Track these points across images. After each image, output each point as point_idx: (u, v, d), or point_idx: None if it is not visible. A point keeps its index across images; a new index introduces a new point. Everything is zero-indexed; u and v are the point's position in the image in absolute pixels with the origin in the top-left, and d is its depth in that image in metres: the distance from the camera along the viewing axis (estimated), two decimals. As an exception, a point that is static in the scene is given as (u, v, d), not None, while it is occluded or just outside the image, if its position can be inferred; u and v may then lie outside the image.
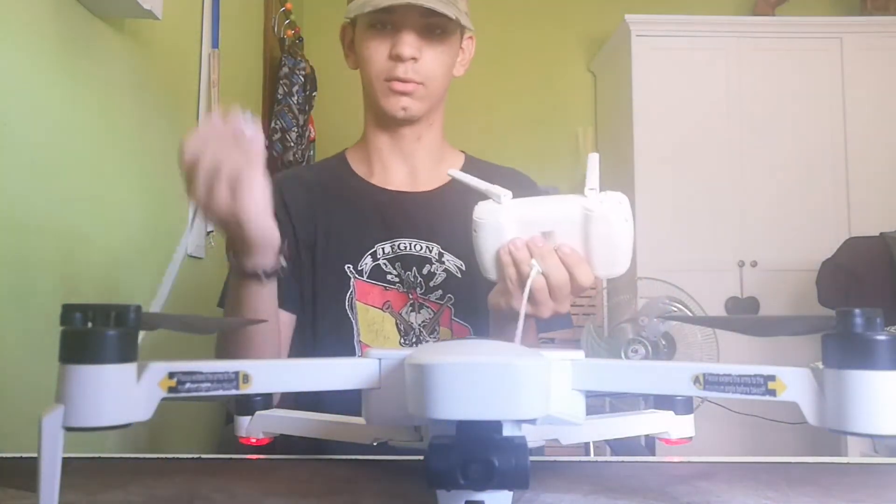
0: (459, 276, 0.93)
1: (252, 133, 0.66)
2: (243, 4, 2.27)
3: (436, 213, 0.96)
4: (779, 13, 3.23)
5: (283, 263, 0.77)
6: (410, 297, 0.93)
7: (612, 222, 0.66)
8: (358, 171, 1.00)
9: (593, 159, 0.69)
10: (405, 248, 0.94)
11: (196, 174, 0.65)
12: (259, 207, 0.67)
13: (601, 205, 0.66)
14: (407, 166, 0.99)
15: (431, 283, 0.93)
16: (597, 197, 0.66)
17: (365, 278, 0.93)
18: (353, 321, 0.92)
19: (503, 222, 0.67)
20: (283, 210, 0.95)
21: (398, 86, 0.91)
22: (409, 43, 0.89)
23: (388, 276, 0.93)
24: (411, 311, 0.93)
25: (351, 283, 0.92)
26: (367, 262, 0.93)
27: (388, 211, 0.96)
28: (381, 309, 0.93)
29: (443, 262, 0.94)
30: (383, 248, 0.94)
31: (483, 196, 0.70)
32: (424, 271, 0.94)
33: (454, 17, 0.88)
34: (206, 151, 0.65)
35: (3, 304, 0.94)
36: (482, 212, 0.68)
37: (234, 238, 0.71)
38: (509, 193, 0.68)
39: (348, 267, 0.93)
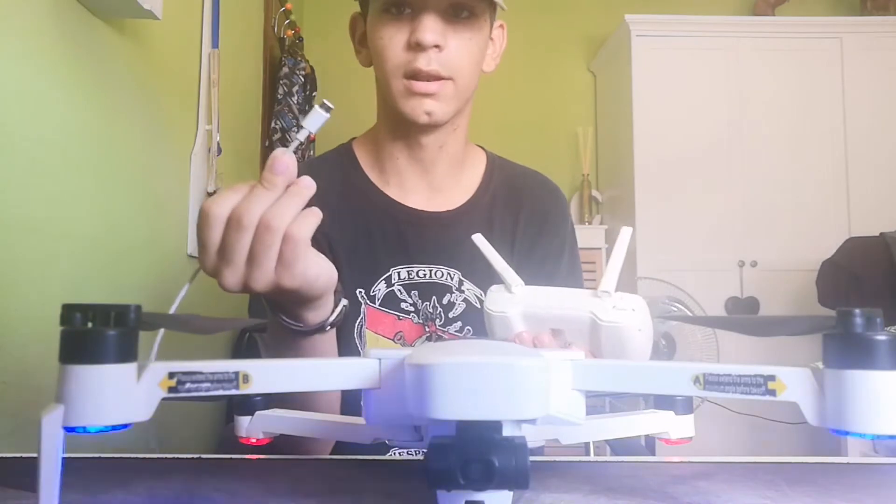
0: (479, 306, 0.84)
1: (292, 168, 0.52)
2: (243, 4, 2.27)
3: (457, 237, 0.85)
4: (779, 13, 3.24)
5: (345, 302, 0.66)
6: (427, 328, 0.84)
7: (624, 332, 0.60)
8: (371, 175, 0.89)
9: (625, 235, 0.62)
10: (424, 275, 0.85)
11: (233, 249, 0.51)
12: (320, 265, 0.56)
13: (612, 313, 0.60)
14: (427, 178, 0.88)
15: (451, 314, 0.85)
16: (609, 303, 0.60)
17: (377, 305, 0.83)
18: (361, 350, 0.83)
19: (511, 316, 0.64)
20: None
21: (420, 86, 0.77)
22: (430, 28, 0.75)
23: (403, 305, 0.84)
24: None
25: (361, 310, 0.83)
26: (380, 288, 0.84)
27: (407, 232, 0.85)
28: (393, 340, 0.84)
29: (462, 291, 0.85)
30: (399, 273, 0.84)
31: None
32: (445, 301, 0.85)
33: None
34: (244, 218, 0.50)
35: (3, 303, 0.94)
36: (492, 301, 0.65)
37: (290, 301, 0.59)
38: (521, 283, 0.64)
39: (360, 292, 0.84)
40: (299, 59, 2.68)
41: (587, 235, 3.13)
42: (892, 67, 3.03)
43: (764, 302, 2.91)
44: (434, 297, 0.85)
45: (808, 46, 3.04)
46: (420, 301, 0.84)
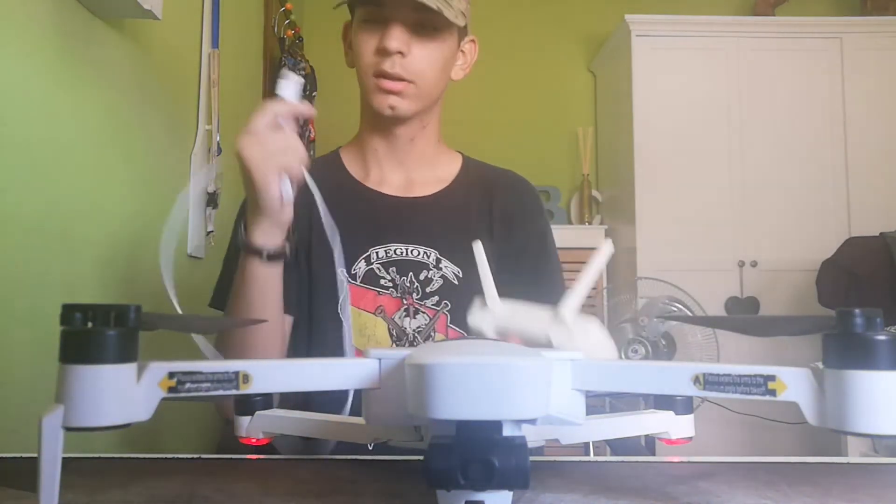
0: (456, 283, 0.93)
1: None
2: (243, 4, 2.27)
3: (434, 219, 0.95)
4: (779, 13, 3.23)
5: (287, 251, 0.81)
6: (405, 302, 0.92)
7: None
8: (353, 172, 1.00)
9: (605, 251, 0.65)
10: (401, 252, 0.93)
11: (256, 165, 0.75)
12: (289, 194, 0.77)
13: (562, 337, 0.64)
14: (402, 170, 0.98)
15: (428, 289, 0.92)
16: (566, 325, 0.64)
17: (358, 283, 0.92)
18: (346, 325, 0.90)
19: (485, 329, 0.70)
20: None
21: (386, 84, 0.89)
22: (395, 37, 0.87)
23: (382, 281, 0.92)
24: (405, 316, 0.92)
25: (344, 288, 0.91)
26: (360, 267, 0.93)
27: (384, 215, 0.95)
28: (374, 314, 0.92)
29: (440, 269, 0.93)
30: (377, 253, 0.93)
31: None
32: (421, 276, 0.93)
33: (437, 10, 0.86)
34: (258, 148, 0.75)
35: (4, 303, 0.94)
36: (472, 315, 0.72)
37: (256, 206, 0.78)
38: (496, 299, 0.70)
39: (342, 271, 0.91)
40: (299, 59, 2.68)
41: (587, 235, 3.13)
42: (892, 67, 3.03)
43: (764, 302, 2.91)
44: (411, 273, 0.93)
45: (808, 46, 3.04)
46: (398, 276, 0.93)
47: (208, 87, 1.83)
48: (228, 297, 0.90)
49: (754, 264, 2.93)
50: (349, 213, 0.94)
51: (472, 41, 1.00)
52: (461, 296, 0.91)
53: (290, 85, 0.78)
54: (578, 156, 3.39)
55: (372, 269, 0.93)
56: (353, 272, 0.92)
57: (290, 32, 2.75)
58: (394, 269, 0.93)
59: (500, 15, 3.36)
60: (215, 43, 1.86)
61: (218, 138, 1.85)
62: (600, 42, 3.40)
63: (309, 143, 2.74)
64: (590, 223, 3.26)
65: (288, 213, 0.79)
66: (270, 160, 0.75)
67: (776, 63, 3.02)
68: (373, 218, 0.95)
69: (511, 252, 0.97)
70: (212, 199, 1.82)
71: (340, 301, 0.90)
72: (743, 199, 2.96)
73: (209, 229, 1.81)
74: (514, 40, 3.41)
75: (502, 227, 0.98)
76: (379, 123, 0.96)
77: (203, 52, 1.82)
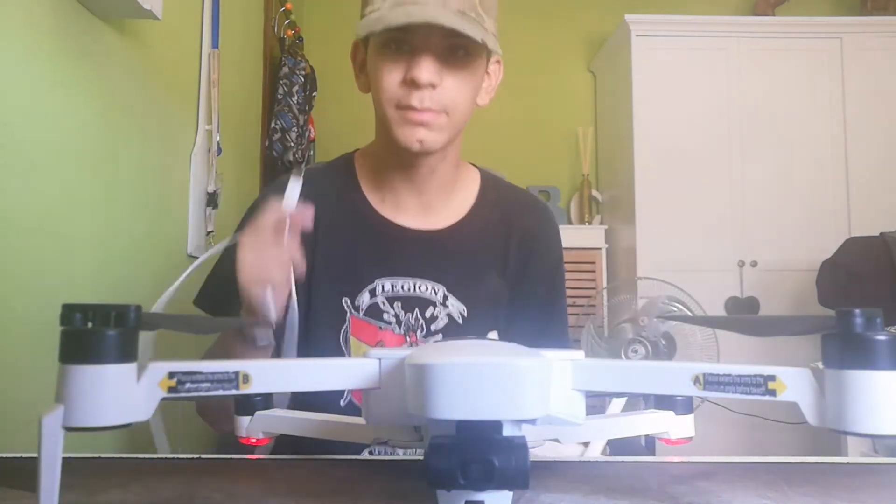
0: (461, 322, 0.88)
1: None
2: (243, 4, 2.27)
3: (446, 254, 0.90)
4: (779, 13, 3.23)
5: (272, 340, 0.79)
6: (409, 339, 0.87)
7: None
8: (367, 192, 0.92)
9: None
10: (409, 288, 0.88)
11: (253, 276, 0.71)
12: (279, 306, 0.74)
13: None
14: (420, 198, 0.91)
15: (433, 327, 0.88)
16: None
17: (361, 315, 0.87)
18: (347, 354, 0.87)
19: None
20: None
21: (413, 115, 0.79)
22: (426, 68, 0.77)
23: (385, 315, 0.87)
24: None
25: (346, 318, 0.87)
26: (364, 298, 0.87)
27: (394, 247, 0.89)
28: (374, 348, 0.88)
29: (446, 306, 0.88)
30: (383, 286, 0.88)
31: None
32: (427, 314, 0.88)
33: (480, 40, 0.76)
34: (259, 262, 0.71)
35: (4, 303, 0.94)
36: None
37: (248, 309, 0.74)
38: None
39: (345, 301, 0.88)
40: (299, 59, 2.68)
41: (587, 235, 3.13)
42: (892, 67, 3.03)
43: (764, 302, 2.91)
44: (417, 310, 0.88)
45: (808, 46, 3.04)
46: (402, 313, 0.88)
47: (208, 87, 1.83)
48: (214, 300, 0.91)
49: (754, 264, 2.93)
50: (359, 238, 0.90)
51: (498, 62, 0.91)
52: (465, 335, 0.87)
53: (296, 188, 0.76)
54: (578, 156, 3.39)
55: (376, 302, 0.87)
56: (356, 303, 0.87)
57: (290, 32, 2.75)
58: (399, 304, 0.88)
59: (500, 15, 3.35)
60: (215, 43, 1.86)
61: (218, 138, 1.85)
62: (600, 42, 3.40)
63: (309, 143, 2.74)
64: (590, 223, 3.26)
65: (271, 317, 0.75)
66: (261, 270, 0.71)
67: (776, 63, 3.02)
68: (382, 249, 0.89)
69: (525, 286, 0.93)
70: (212, 199, 1.82)
71: (343, 331, 0.87)
72: (743, 199, 2.96)
73: (209, 229, 1.81)
74: (514, 40, 3.40)
75: (518, 259, 0.94)
76: (398, 154, 0.86)
77: (203, 52, 1.82)
